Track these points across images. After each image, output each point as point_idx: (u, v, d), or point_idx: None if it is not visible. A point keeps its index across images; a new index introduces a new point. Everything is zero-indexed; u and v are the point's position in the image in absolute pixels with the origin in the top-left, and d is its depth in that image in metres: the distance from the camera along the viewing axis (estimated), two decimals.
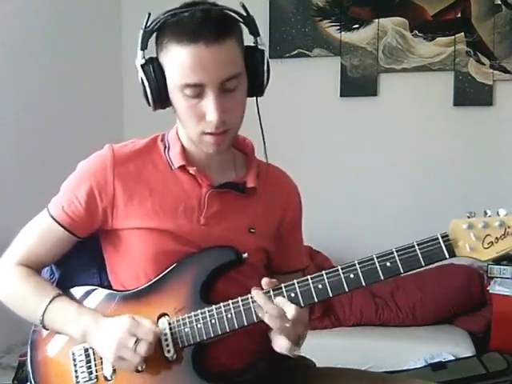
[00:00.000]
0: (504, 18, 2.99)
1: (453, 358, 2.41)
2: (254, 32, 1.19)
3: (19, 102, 2.69)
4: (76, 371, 1.22)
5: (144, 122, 2.80)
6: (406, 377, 2.19)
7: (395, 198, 3.16)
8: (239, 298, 1.13)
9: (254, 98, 1.23)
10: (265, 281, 1.12)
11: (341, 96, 3.19)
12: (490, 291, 2.61)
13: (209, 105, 1.11)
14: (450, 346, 2.49)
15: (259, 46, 1.19)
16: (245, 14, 1.17)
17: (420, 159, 3.14)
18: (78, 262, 1.30)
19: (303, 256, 1.41)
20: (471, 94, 3.02)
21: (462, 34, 3.03)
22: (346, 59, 3.17)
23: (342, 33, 3.17)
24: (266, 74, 1.20)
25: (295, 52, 3.19)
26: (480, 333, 2.66)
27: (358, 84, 3.16)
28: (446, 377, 2.27)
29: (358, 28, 3.15)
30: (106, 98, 3.31)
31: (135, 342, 1.10)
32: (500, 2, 2.98)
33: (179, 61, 1.11)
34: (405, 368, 2.38)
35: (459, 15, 3.04)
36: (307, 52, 3.20)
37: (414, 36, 3.08)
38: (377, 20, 3.12)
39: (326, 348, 2.33)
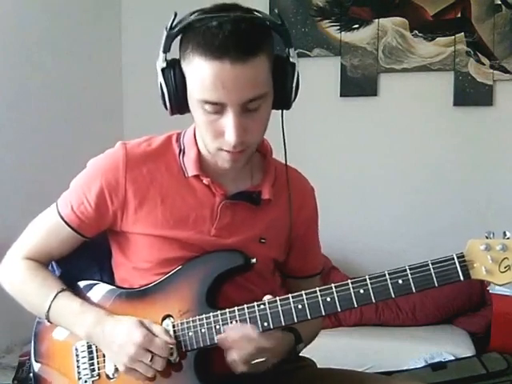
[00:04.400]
0: (504, 18, 2.98)
1: (453, 357, 2.40)
2: (288, 43, 1.13)
3: (19, 102, 2.68)
4: (78, 367, 1.22)
5: (144, 122, 2.81)
6: (405, 377, 2.19)
7: (395, 197, 3.16)
8: (245, 306, 1.11)
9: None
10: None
11: (341, 96, 3.19)
12: (490, 291, 2.60)
13: (228, 124, 1.06)
14: (450, 346, 2.49)
15: (291, 59, 1.13)
16: (279, 23, 1.10)
17: (420, 159, 3.13)
18: (79, 260, 1.30)
19: (318, 260, 1.39)
20: (471, 94, 3.02)
21: (462, 34, 3.02)
22: (346, 59, 3.17)
23: (342, 33, 3.16)
24: (294, 90, 1.14)
25: (295, 52, 3.18)
26: (480, 333, 2.66)
27: (358, 84, 3.16)
28: (446, 377, 2.27)
29: (358, 28, 3.14)
30: (106, 98, 3.31)
31: (151, 357, 1.09)
32: (500, 2, 2.97)
33: (201, 75, 1.04)
34: (405, 368, 2.38)
35: (459, 15, 3.03)
36: (307, 52, 3.19)
37: (414, 36, 3.08)
38: (377, 20, 3.11)
39: (326, 348, 2.32)
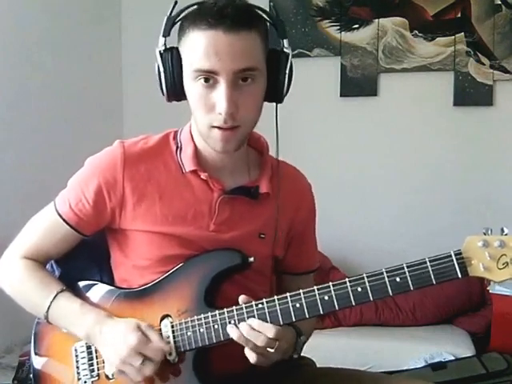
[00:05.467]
0: (504, 18, 2.98)
1: (453, 358, 2.40)
2: (282, 34, 1.16)
3: (19, 102, 2.68)
4: (78, 367, 1.22)
5: (144, 121, 2.81)
6: (405, 377, 2.19)
7: (395, 197, 3.16)
8: (243, 305, 1.11)
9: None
10: (242, 298, 1.11)
11: (341, 96, 3.19)
12: (490, 291, 2.60)
13: (219, 95, 1.09)
14: (450, 346, 2.49)
15: (285, 49, 1.16)
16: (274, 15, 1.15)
17: (420, 159, 3.13)
18: (78, 260, 1.30)
19: (314, 258, 1.39)
20: (471, 94, 3.02)
21: (462, 34, 3.02)
22: (346, 59, 3.17)
23: (342, 33, 3.17)
24: (287, 78, 1.17)
25: (295, 52, 3.18)
26: (480, 333, 2.66)
27: (358, 84, 3.16)
28: (446, 377, 2.27)
29: (358, 28, 3.14)
30: (106, 98, 3.31)
31: (142, 361, 1.08)
32: (500, 2, 2.98)
33: (195, 45, 1.09)
34: (405, 368, 2.38)
35: (459, 15, 3.03)
36: (307, 52, 3.19)
37: (414, 36, 3.08)
38: (377, 20, 3.11)
39: (326, 348, 2.33)
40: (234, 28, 1.06)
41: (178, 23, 1.14)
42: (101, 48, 3.27)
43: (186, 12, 1.12)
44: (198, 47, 1.08)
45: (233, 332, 1.08)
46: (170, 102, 1.19)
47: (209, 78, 1.09)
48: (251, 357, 1.08)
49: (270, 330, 1.06)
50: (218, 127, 1.11)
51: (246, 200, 1.22)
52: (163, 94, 1.17)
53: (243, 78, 1.10)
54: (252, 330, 1.07)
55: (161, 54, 1.14)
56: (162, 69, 1.14)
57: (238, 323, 1.10)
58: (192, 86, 1.12)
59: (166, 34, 1.14)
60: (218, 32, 1.06)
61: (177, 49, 1.14)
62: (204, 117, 1.12)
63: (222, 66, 1.07)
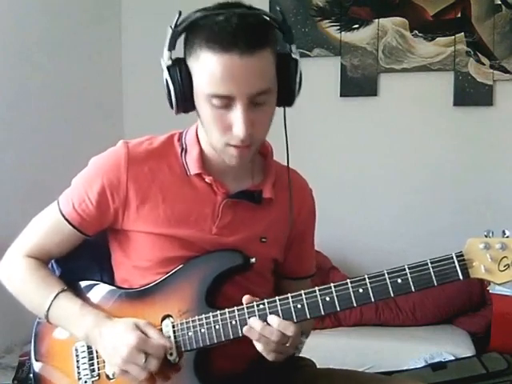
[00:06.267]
0: (504, 18, 2.98)
1: (453, 357, 2.40)
2: (290, 39, 1.15)
3: (19, 102, 2.68)
4: (78, 367, 1.22)
5: (144, 121, 2.81)
6: (405, 378, 2.19)
7: (395, 197, 3.16)
8: (244, 305, 1.11)
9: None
10: (247, 297, 1.11)
11: (341, 96, 3.19)
12: (490, 291, 2.61)
13: (236, 118, 1.07)
14: (450, 346, 2.49)
15: (293, 55, 1.15)
16: (281, 20, 1.14)
17: (420, 159, 3.13)
18: (79, 260, 1.30)
19: (312, 262, 1.39)
20: (471, 94, 3.02)
21: (462, 34, 3.02)
22: (346, 59, 3.17)
23: (342, 33, 3.17)
24: (297, 86, 1.15)
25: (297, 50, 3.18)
26: (480, 333, 2.66)
27: (358, 84, 3.16)
28: (446, 377, 2.27)
29: (358, 28, 3.14)
30: (106, 98, 3.31)
31: (145, 358, 1.08)
32: (500, 2, 2.98)
33: (210, 69, 1.05)
34: (405, 368, 2.38)
35: (459, 15, 3.03)
36: (307, 52, 3.19)
37: (414, 36, 3.08)
38: (377, 20, 3.11)
39: (325, 348, 2.33)
40: (248, 50, 1.04)
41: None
42: (101, 48, 3.27)
43: (192, 23, 1.08)
44: (213, 71, 1.05)
45: (248, 331, 1.08)
46: (177, 114, 1.16)
47: (224, 100, 1.07)
48: (266, 354, 1.08)
49: (288, 328, 1.06)
50: (234, 145, 1.11)
51: (248, 204, 1.22)
52: (172, 108, 1.15)
53: (258, 100, 1.08)
54: (267, 326, 1.07)
55: (168, 69, 1.11)
56: (171, 85, 1.12)
57: (240, 323, 1.10)
58: (205, 107, 1.10)
59: (172, 47, 1.11)
60: (232, 56, 1.03)
61: (185, 62, 1.11)
62: (220, 137, 1.11)
63: (238, 91, 1.05)
